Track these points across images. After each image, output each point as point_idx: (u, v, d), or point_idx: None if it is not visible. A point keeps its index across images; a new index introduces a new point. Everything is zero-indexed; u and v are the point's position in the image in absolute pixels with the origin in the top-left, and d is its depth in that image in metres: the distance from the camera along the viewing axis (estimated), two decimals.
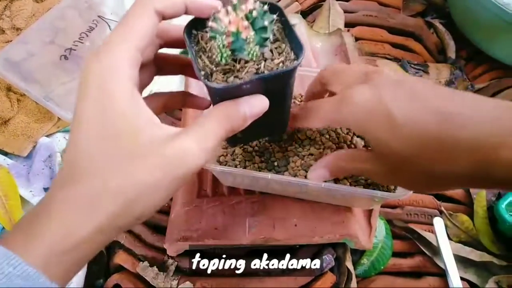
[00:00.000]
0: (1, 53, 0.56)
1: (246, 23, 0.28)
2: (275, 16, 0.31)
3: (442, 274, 0.51)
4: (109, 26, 0.64)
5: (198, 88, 0.52)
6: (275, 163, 0.45)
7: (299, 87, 0.49)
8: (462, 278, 0.50)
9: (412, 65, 0.70)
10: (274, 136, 0.45)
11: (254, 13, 0.29)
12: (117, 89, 0.25)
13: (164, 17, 0.28)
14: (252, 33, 0.29)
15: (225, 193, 0.51)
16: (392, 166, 0.31)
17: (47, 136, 0.58)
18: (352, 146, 0.45)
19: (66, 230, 0.23)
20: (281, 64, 0.30)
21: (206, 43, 0.31)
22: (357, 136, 0.46)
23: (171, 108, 0.36)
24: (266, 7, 0.29)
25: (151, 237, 0.53)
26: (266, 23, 0.29)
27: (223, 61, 0.29)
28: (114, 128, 0.24)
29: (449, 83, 0.69)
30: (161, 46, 0.33)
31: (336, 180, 0.43)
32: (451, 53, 0.72)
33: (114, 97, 0.24)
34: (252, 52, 0.29)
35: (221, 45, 0.28)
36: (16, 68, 0.57)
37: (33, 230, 0.23)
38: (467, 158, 0.27)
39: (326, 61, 0.66)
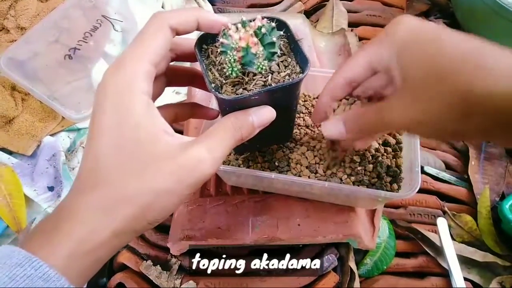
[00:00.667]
0: (6, 53, 0.57)
1: (255, 39, 0.30)
2: (282, 32, 0.33)
3: (445, 274, 0.51)
4: (113, 25, 0.64)
5: (201, 97, 0.53)
6: (276, 163, 0.45)
7: (302, 86, 0.49)
8: (465, 279, 0.50)
9: None
10: (279, 144, 0.46)
11: (263, 30, 0.31)
12: (134, 102, 0.26)
13: (177, 33, 0.30)
14: (261, 48, 0.31)
15: (229, 192, 0.51)
16: (427, 94, 0.28)
17: (51, 135, 0.58)
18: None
19: (86, 234, 0.24)
20: (287, 77, 0.32)
21: (215, 57, 0.33)
22: None
23: (181, 119, 0.38)
24: (273, 23, 0.31)
25: (155, 236, 0.53)
26: (274, 39, 0.31)
27: (234, 74, 0.31)
28: (131, 138, 0.26)
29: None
30: (172, 59, 0.34)
31: (340, 181, 0.43)
32: None
33: (131, 110, 0.26)
34: (261, 66, 0.31)
35: (232, 60, 0.30)
36: (20, 67, 0.57)
37: (53, 234, 0.24)
38: (507, 80, 0.25)
39: (330, 61, 0.66)
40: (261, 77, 0.32)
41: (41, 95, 0.56)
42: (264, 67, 0.31)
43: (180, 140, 0.27)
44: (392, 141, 0.46)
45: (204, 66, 0.33)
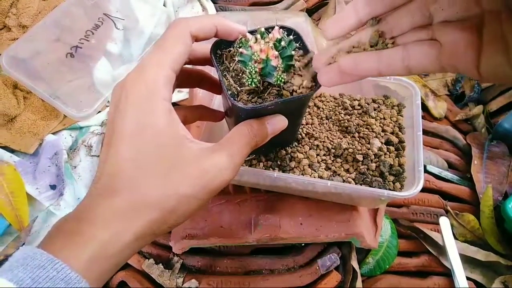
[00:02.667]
0: (8, 51, 0.56)
1: (276, 52, 0.31)
2: (297, 44, 0.34)
3: (448, 273, 0.51)
4: (114, 24, 0.64)
5: (203, 95, 0.52)
6: (278, 162, 0.45)
7: None
8: (468, 278, 0.50)
9: None
10: (284, 147, 0.46)
11: (283, 43, 0.31)
12: (156, 108, 0.27)
13: (197, 39, 0.31)
14: (280, 61, 0.32)
15: (231, 191, 0.51)
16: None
17: (53, 133, 0.58)
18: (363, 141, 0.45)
19: (109, 238, 0.25)
20: (301, 88, 0.33)
21: (230, 64, 0.34)
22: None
23: (190, 121, 0.39)
24: (291, 36, 0.32)
25: None
26: (293, 52, 0.32)
27: (253, 85, 0.32)
28: (154, 144, 0.27)
29: (455, 82, 0.69)
30: (185, 63, 0.35)
31: (343, 180, 0.43)
32: None
33: (153, 116, 0.27)
34: (279, 78, 0.32)
35: (253, 72, 0.31)
36: (22, 65, 0.57)
37: (76, 237, 0.25)
38: None
39: None
40: (276, 87, 0.33)
41: (43, 93, 0.56)
42: (282, 80, 0.32)
43: (200, 146, 0.28)
44: (395, 140, 0.46)
45: (220, 72, 0.33)
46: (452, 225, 0.54)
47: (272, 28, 0.32)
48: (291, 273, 0.49)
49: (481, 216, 0.55)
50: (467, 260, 0.52)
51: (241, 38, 0.32)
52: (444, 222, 0.53)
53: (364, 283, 0.50)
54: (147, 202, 0.26)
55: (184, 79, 0.36)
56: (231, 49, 0.33)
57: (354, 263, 0.50)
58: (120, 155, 0.27)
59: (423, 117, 0.64)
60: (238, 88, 0.33)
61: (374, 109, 0.49)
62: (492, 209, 0.55)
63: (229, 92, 0.32)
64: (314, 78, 0.34)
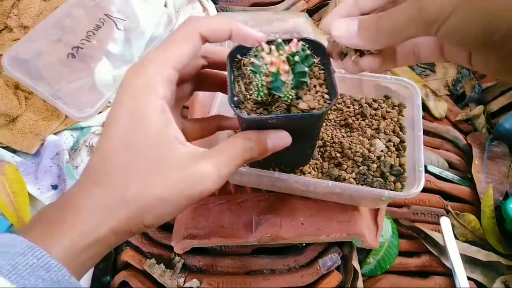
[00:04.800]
0: (9, 51, 0.57)
1: (287, 67, 0.29)
2: (316, 60, 0.31)
3: (449, 273, 0.51)
4: (116, 24, 0.64)
5: (204, 97, 0.52)
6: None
7: None
8: (469, 278, 0.50)
9: (419, 64, 0.70)
10: (295, 167, 0.44)
11: (296, 58, 0.29)
12: (149, 105, 0.27)
13: (207, 40, 0.30)
14: (291, 77, 0.30)
15: (232, 191, 0.51)
16: None
17: (55, 134, 0.58)
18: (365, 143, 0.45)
19: (88, 229, 0.25)
20: (314, 105, 0.31)
21: (247, 69, 0.32)
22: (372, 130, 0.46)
23: (208, 134, 0.38)
24: (308, 51, 0.30)
25: (158, 234, 0.53)
26: (306, 69, 0.30)
27: (259, 98, 0.30)
28: (142, 141, 0.26)
29: (456, 82, 0.69)
30: (204, 66, 0.34)
31: (344, 180, 0.43)
32: None
33: (145, 113, 0.26)
34: (287, 95, 0.30)
35: (259, 84, 0.30)
36: (23, 66, 0.57)
37: (57, 225, 0.25)
38: None
39: (332, 60, 0.65)
40: (286, 101, 0.31)
41: (44, 94, 0.56)
42: (290, 96, 0.30)
43: (189, 150, 0.27)
44: (395, 140, 0.46)
45: (232, 77, 0.32)
46: (452, 225, 0.54)
47: (299, 39, 0.30)
48: (292, 273, 0.49)
49: (481, 216, 0.55)
50: (468, 260, 0.52)
51: (257, 47, 0.30)
52: (445, 222, 0.54)
53: (365, 283, 0.50)
54: (124, 198, 0.25)
55: (203, 82, 0.36)
56: (249, 57, 0.32)
57: (355, 263, 0.50)
58: (109, 145, 0.27)
59: (423, 117, 0.64)
60: (248, 96, 0.31)
61: (375, 109, 0.49)
62: (492, 209, 0.55)
63: (235, 99, 0.31)
64: (328, 98, 0.32)
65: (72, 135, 0.59)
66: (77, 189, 0.27)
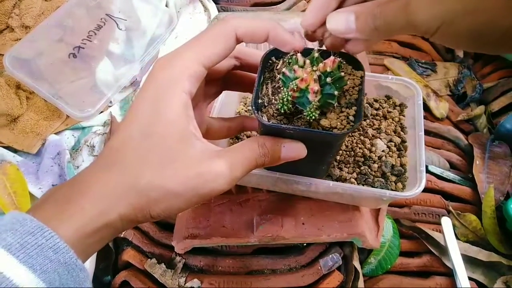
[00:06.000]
0: (10, 51, 0.57)
1: (316, 87, 0.28)
2: (348, 82, 0.31)
3: (450, 274, 0.51)
4: (117, 24, 0.64)
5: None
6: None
7: None
8: (470, 278, 0.50)
9: (420, 64, 0.70)
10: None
11: (328, 79, 0.29)
12: (172, 98, 0.27)
13: (243, 41, 0.30)
14: (318, 97, 0.29)
15: (233, 191, 0.51)
16: None
17: (56, 133, 0.59)
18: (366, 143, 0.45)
19: (97, 212, 0.25)
20: (337, 124, 0.31)
21: (278, 75, 0.32)
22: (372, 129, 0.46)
23: (234, 133, 0.38)
24: (342, 73, 0.29)
25: (159, 234, 0.53)
26: (335, 92, 0.29)
27: (283, 110, 0.30)
28: (160, 132, 0.26)
29: (457, 82, 0.69)
30: (236, 67, 0.34)
31: (345, 180, 0.43)
32: (459, 52, 0.71)
33: (168, 105, 0.27)
34: (311, 114, 0.29)
35: (285, 99, 0.29)
36: (25, 66, 0.57)
37: (66, 207, 0.25)
38: None
39: None
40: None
41: (45, 93, 0.56)
42: (313, 116, 0.29)
43: (206, 147, 0.27)
44: (397, 140, 0.46)
45: (262, 79, 0.32)
46: (454, 225, 0.54)
47: (338, 54, 0.29)
48: (293, 273, 0.49)
49: (483, 216, 0.55)
50: (469, 260, 0.52)
51: (292, 55, 0.30)
52: (446, 222, 0.53)
53: (366, 283, 0.50)
54: (135, 186, 0.26)
55: (233, 83, 0.36)
56: (281, 61, 0.31)
57: (356, 263, 0.50)
58: (128, 132, 0.27)
59: (425, 117, 0.64)
60: (273, 100, 0.31)
61: (376, 109, 0.49)
62: (494, 209, 0.55)
63: (260, 101, 0.31)
64: (353, 121, 0.31)
65: (73, 135, 0.59)
66: (89, 172, 0.27)
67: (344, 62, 0.31)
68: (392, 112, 0.49)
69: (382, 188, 0.42)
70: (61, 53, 0.59)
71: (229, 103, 0.51)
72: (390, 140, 0.46)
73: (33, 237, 0.22)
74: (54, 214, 0.24)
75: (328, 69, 0.29)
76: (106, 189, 0.25)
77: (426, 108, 0.66)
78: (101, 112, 0.60)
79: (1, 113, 0.56)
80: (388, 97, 0.50)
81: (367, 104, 0.49)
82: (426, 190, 0.58)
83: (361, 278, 0.49)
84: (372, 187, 0.42)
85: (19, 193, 0.52)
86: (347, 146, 0.46)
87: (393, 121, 0.48)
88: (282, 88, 0.31)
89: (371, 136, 0.46)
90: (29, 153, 0.57)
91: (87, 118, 0.58)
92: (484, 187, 0.58)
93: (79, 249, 0.24)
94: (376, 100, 0.50)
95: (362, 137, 0.46)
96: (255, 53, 0.34)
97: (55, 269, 0.23)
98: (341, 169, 0.44)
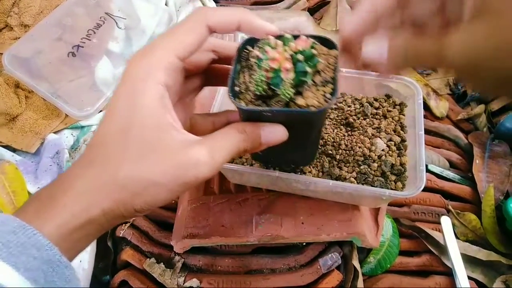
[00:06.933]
0: (9, 50, 0.57)
1: (289, 65, 0.29)
2: (321, 60, 0.31)
3: (449, 273, 0.51)
4: (116, 23, 0.64)
5: (205, 94, 0.51)
6: None
7: None
8: (469, 277, 0.50)
9: None
10: (296, 166, 0.44)
11: (300, 57, 0.29)
12: (147, 90, 0.27)
13: (215, 32, 0.30)
14: (291, 75, 0.29)
15: (232, 190, 0.51)
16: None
17: (55, 132, 0.58)
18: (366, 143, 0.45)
19: (79, 209, 0.25)
20: (312, 103, 0.30)
21: (252, 57, 0.32)
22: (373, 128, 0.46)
23: (219, 127, 0.38)
24: (315, 51, 0.30)
25: (158, 234, 0.53)
26: (308, 69, 0.29)
27: (258, 92, 0.30)
28: (138, 124, 0.26)
29: (457, 81, 0.69)
30: (214, 61, 0.34)
31: (344, 179, 0.43)
32: None
33: (144, 96, 0.26)
34: (285, 93, 0.29)
35: (259, 80, 0.29)
36: (24, 65, 0.57)
37: (49, 205, 0.25)
38: None
39: None
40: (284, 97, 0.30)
41: (44, 92, 0.56)
42: (288, 95, 0.30)
43: (185, 137, 0.27)
44: (396, 139, 0.46)
45: (239, 67, 0.32)
46: (453, 225, 0.54)
47: (310, 36, 0.30)
48: (292, 272, 0.49)
49: (482, 215, 0.55)
50: (468, 260, 0.52)
51: (264, 39, 0.30)
52: (446, 222, 0.53)
53: (365, 283, 0.50)
54: (116, 180, 0.25)
55: (213, 77, 0.36)
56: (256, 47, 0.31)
57: (355, 262, 0.50)
58: (106, 128, 0.27)
59: (425, 117, 0.64)
60: (250, 87, 0.31)
61: (376, 108, 0.49)
62: (493, 209, 0.55)
63: (237, 89, 0.31)
64: (329, 97, 0.31)
65: (72, 134, 0.59)
66: (71, 171, 0.27)
67: (318, 43, 0.31)
68: (392, 111, 0.49)
69: (382, 187, 0.42)
70: (60, 52, 0.59)
71: (229, 103, 0.50)
72: (390, 139, 0.46)
73: (15, 236, 0.22)
74: (37, 213, 0.24)
75: (300, 49, 0.29)
76: (87, 185, 0.25)
77: (426, 107, 0.66)
78: (100, 111, 0.60)
79: (0, 112, 0.56)
80: (388, 96, 0.50)
81: (367, 103, 0.49)
82: (425, 189, 0.57)
83: (361, 278, 0.49)
84: (372, 186, 0.42)
85: (17, 192, 0.52)
86: (346, 146, 0.46)
87: (393, 120, 0.48)
88: (256, 70, 0.31)
89: (370, 135, 0.46)
90: (28, 152, 0.56)
91: (86, 117, 0.58)
92: (484, 186, 0.58)
93: (64, 246, 0.24)
94: (376, 99, 0.50)
95: (362, 136, 0.46)
96: (232, 45, 0.34)
97: (39, 266, 0.22)
98: (340, 168, 0.44)
